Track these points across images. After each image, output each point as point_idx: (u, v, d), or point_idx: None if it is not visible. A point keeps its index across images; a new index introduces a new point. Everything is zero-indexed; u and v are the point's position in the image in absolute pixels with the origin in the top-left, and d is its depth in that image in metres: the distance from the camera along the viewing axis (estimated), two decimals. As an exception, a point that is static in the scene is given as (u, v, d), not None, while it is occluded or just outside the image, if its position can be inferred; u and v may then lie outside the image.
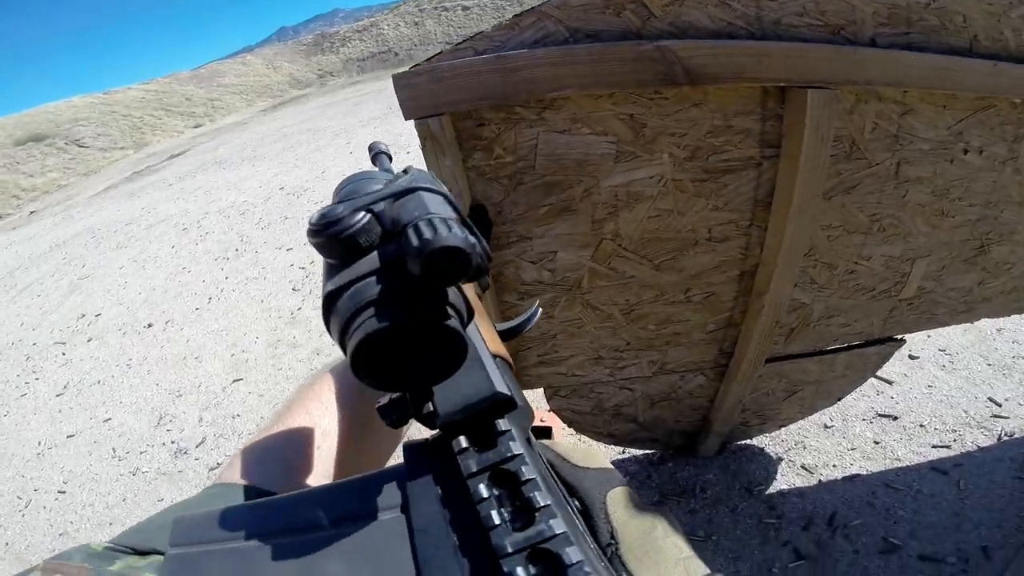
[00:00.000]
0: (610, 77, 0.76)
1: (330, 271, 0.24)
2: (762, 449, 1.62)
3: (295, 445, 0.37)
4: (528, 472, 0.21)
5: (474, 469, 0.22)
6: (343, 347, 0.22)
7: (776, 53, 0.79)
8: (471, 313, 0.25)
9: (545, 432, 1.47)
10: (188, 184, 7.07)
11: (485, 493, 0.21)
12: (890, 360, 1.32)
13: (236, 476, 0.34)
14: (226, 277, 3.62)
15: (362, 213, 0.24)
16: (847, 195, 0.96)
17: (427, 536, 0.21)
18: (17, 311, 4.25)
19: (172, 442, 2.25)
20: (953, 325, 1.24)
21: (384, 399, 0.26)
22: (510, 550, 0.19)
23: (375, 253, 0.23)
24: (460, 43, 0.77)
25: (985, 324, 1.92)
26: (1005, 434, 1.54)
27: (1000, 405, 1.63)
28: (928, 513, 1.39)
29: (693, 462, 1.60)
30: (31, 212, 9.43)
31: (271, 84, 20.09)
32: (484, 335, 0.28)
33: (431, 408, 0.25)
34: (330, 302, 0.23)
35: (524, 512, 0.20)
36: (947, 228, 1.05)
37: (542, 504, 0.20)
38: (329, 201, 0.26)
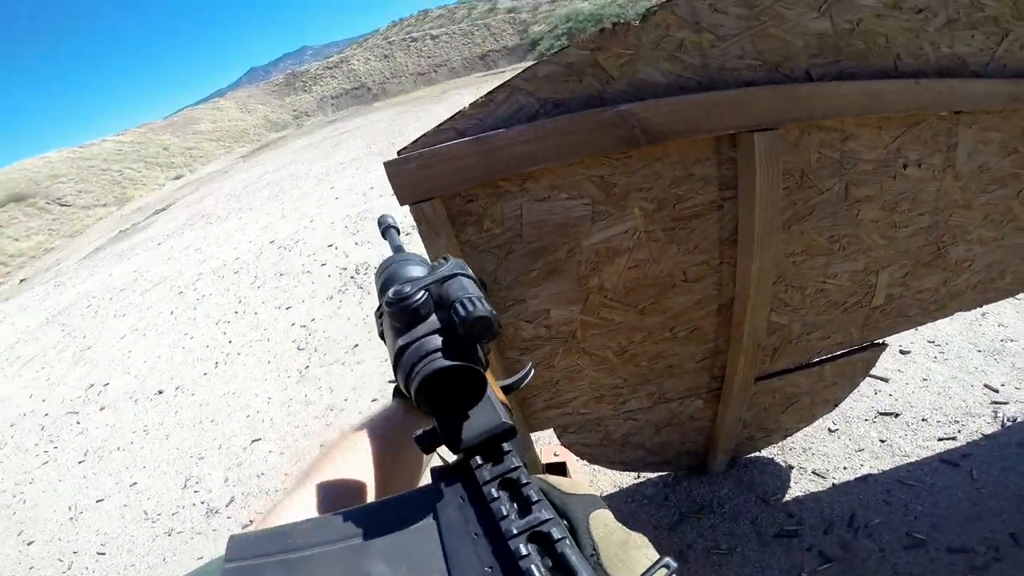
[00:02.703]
0: (579, 147, 0.87)
1: (397, 332, 0.35)
2: (772, 459, 1.71)
3: (327, 501, 0.42)
4: (526, 477, 0.30)
5: (487, 478, 0.31)
6: (407, 384, 0.33)
7: (725, 102, 0.89)
8: (488, 365, 0.38)
9: (560, 467, 1.56)
10: (177, 243, 7.24)
11: (496, 494, 0.29)
12: (883, 357, 1.41)
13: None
14: (229, 341, 3.74)
15: (422, 292, 0.36)
16: (805, 222, 1.07)
17: (452, 534, 0.29)
18: (24, 384, 4.36)
19: (202, 502, 2.34)
20: (929, 323, 1.35)
21: (419, 431, 0.36)
22: (515, 531, 0.27)
23: (432, 318, 0.35)
24: (441, 124, 0.88)
25: (970, 311, 2.03)
26: (1008, 419, 1.62)
27: (997, 391, 1.72)
28: (946, 506, 1.44)
29: (707, 479, 1.68)
30: (21, 280, 9.56)
31: (247, 128, 20.51)
32: (492, 387, 0.39)
33: (453, 437, 0.35)
34: (401, 353, 0.34)
35: (524, 508, 0.28)
36: (903, 238, 1.16)
37: (536, 499, 0.28)
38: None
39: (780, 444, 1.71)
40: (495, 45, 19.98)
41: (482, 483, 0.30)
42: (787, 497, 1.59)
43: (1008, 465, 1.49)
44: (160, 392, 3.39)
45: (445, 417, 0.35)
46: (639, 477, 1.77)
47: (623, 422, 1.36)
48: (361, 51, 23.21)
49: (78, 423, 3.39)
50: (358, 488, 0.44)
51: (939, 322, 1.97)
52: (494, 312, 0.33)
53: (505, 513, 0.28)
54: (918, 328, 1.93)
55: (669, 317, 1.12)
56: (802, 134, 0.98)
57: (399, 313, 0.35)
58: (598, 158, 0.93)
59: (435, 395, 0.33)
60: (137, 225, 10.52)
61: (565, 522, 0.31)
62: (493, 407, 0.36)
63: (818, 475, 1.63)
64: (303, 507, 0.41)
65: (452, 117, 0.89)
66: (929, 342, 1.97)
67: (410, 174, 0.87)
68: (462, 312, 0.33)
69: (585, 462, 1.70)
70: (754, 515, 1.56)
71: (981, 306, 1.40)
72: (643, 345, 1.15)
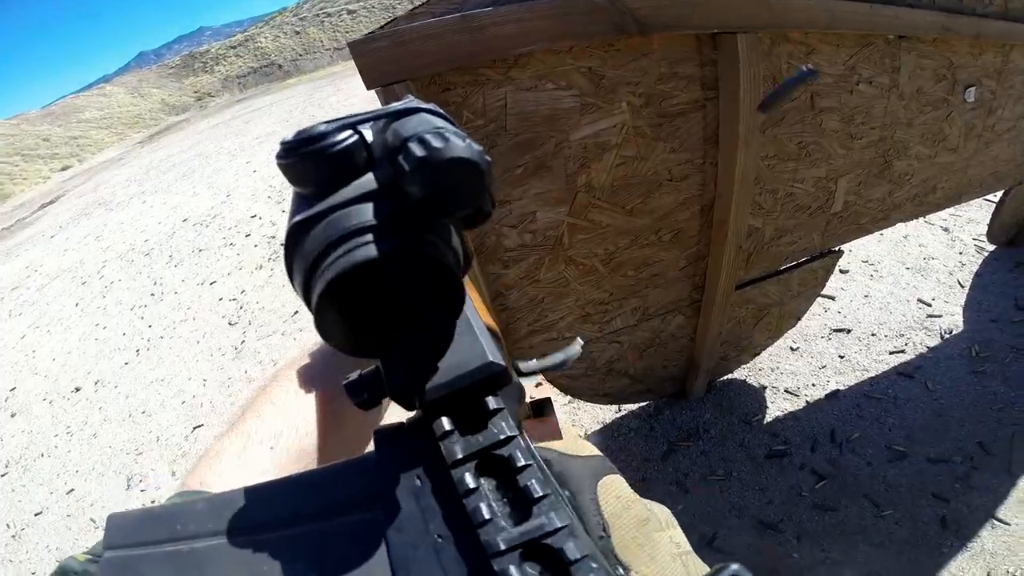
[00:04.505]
0: (572, 30, 0.85)
1: (300, 202, 0.20)
2: (745, 381, 1.81)
3: (249, 449, 0.35)
4: (524, 457, 0.19)
5: (459, 456, 0.19)
6: (307, 293, 0.19)
7: (711, 1, 0.92)
8: (468, 263, 0.23)
9: (544, 404, 1.54)
10: (73, 233, 6.44)
11: (472, 484, 0.18)
12: (831, 276, 1.53)
13: (196, 484, 0.32)
14: (149, 326, 3.39)
15: (349, 131, 0.20)
16: (777, 127, 1.14)
17: (402, 534, 0.19)
18: (-86, 399, 3.73)
19: (152, 501, 2.12)
20: (876, 232, 1.48)
21: (353, 375, 0.23)
22: (503, 547, 0.16)
23: (365, 177, 0.20)
24: (416, 8, 0.82)
25: (894, 233, 2.26)
26: (944, 331, 1.82)
27: (930, 305, 1.93)
28: (914, 417, 1.58)
29: (687, 406, 1.74)
30: None
31: (141, 113, 18.65)
32: (475, 305, 0.26)
33: (409, 382, 0.21)
34: (299, 234, 0.19)
35: (519, 504, 0.18)
36: (858, 149, 1.27)
37: (541, 494, 0.17)
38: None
39: (749, 365, 1.81)
40: (421, 16, 19.70)
41: (451, 464, 0.19)
42: (768, 418, 1.68)
43: (956, 376, 1.67)
44: (77, 389, 3.03)
45: (393, 352, 0.21)
46: (620, 411, 1.81)
47: (608, 346, 1.37)
48: (269, 29, 21.78)
49: (-11, 433, 2.97)
50: (305, 432, 0.36)
51: (870, 242, 2.20)
52: (484, 155, 0.18)
53: (487, 516, 0.17)
54: (855, 248, 2.13)
55: (655, 218, 1.13)
56: (773, 44, 1.04)
57: (301, 165, 0.20)
58: (586, 49, 0.92)
59: (364, 324, 0.20)
60: (23, 220, 9.26)
61: (567, 492, 0.24)
62: (475, 337, 0.22)
63: (790, 393, 1.74)
64: (234, 455, 0.34)
65: (427, 1, 0.82)
66: (864, 262, 2.17)
67: (381, 52, 0.79)
68: (418, 152, 0.17)
69: (567, 400, 1.72)
70: (741, 438, 1.63)
71: (917, 218, 1.57)
72: (630, 251, 1.15)
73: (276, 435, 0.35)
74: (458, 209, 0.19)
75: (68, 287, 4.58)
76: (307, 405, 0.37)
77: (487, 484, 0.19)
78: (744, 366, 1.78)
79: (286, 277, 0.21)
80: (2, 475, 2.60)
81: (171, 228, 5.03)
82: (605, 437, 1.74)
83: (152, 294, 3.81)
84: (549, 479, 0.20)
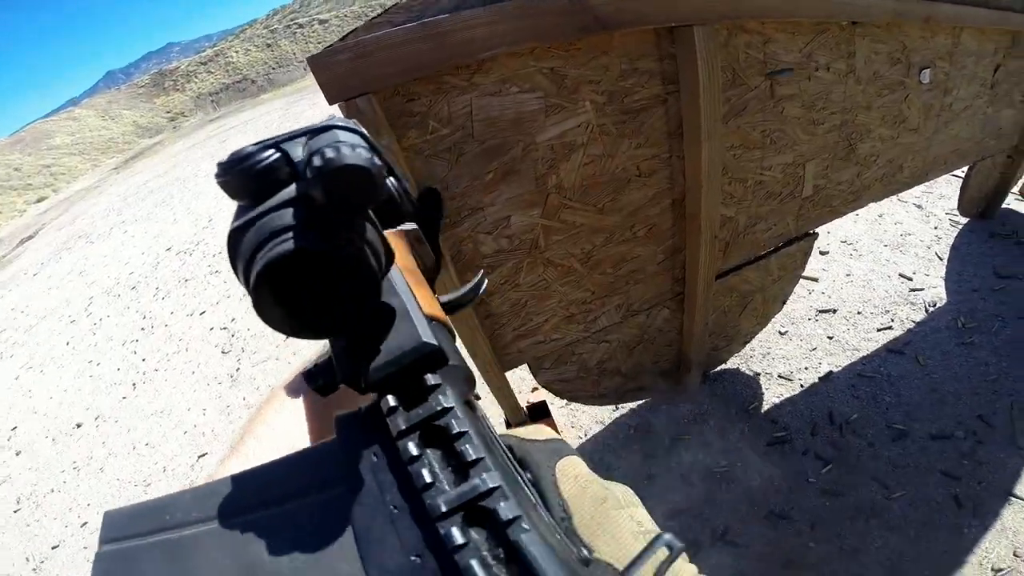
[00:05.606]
0: (534, 31, 0.87)
1: (238, 212, 0.24)
2: (738, 370, 1.83)
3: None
4: (459, 425, 0.21)
5: (402, 427, 0.21)
6: (246, 284, 0.22)
7: None
8: (390, 258, 0.26)
9: (541, 408, 1.55)
10: (56, 269, 6.42)
11: (415, 451, 0.20)
12: (810, 258, 1.57)
13: None
14: (143, 359, 3.39)
15: (271, 150, 0.23)
16: (740, 117, 1.17)
17: (363, 507, 0.21)
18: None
19: None
20: (849, 213, 1.51)
21: (311, 364, 0.26)
22: (444, 509, 0.18)
23: (288, 188, 0.23)
24: (374, 18, 0.82)
25: (868, 213, 2.32)
26: (928, 304, 1.85)
27: (911, 279, 1.97)
28: (910, 394, 1.58)
29: (684, 400, 1.75)
30: None
31: (114, 137, 18.57)
32: (418, 297, 0.29)
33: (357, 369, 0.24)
34: (236, 238, 0.22)
35: (460, 470, 0.20)
36: (821, 134, 1.31)
37: (474, 457, 0.19)
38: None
39: (741, 353, 1.83)
40: (392, 26, 19.77)
41: (395, 435, 0.21)
42: (765, 405, 1.69)
43: (945, 349, 1.69)
44: (79, 425, 3.05)
45: (341, 341, 0.25)
46: (618, 410, 1.82)
47: (596, 346, 1.39)
48: (239, 42, 21.73)
49: (-4, 472, 2.98)
50: (302, 448, 0.39)
51: (847, 223, 2.25)
52: (376, 162, 0.21)
53: (428, 480, 0.19)
54: (832, 228, 2.18)
55: (627, 215, 1.16)
56: (730, 35, 1.07)
57: (235, 182, 0.23)
58: (548, 49, 0.94)
59: (296, 308, 0.23)
60: (2, 259, 9.19)
61: (528, 475, 0.25)
62: (411, 323, 0.25)
63: (784, 378, 1.76)
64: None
65: (386, 10, 0.83)
66: (843, 242, 2.22)
67: (341, 66, 0.80)
68: (317, 162, 0.21)
69: (564, 402, 1.73)
70: (740, 427, 1.64)
71: (888, 197, 1.61)
72: (606, 248, 1.18)
73: (275, 454, 0.37)
74: (359, 205, 0.22)
75: (57, 326, 4.57)
76: (301, 423, 0.39)
77: (433, 454, 0.21)
78: (735, 354, 1.81)
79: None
80: (15, 511, 2.63)
81: (155, 258, 5.03)
82: (606, 436, 1.75)
83: (142, 328, 3.81)
84: (493, 446, 0.22)
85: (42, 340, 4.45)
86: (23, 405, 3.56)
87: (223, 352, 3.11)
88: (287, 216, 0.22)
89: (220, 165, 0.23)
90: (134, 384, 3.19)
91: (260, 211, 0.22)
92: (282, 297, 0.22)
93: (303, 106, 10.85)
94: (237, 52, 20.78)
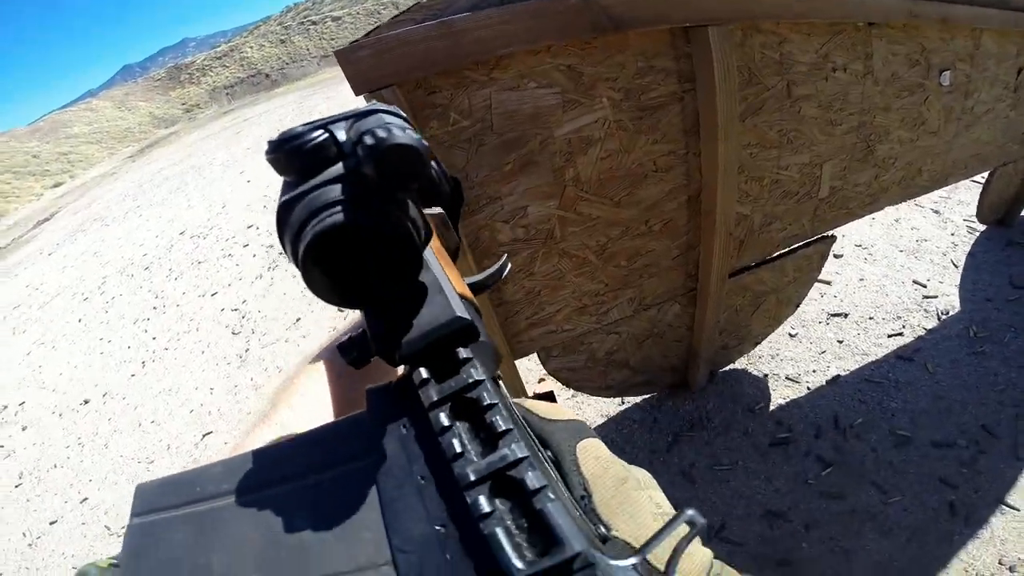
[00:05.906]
0: (548, 31, 0.89)
1: (286, 188, 0.25)
2: (746, 370, 1.84)
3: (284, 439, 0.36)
4: (490, 397, 0.21)
5: (435, 398, 0.22)
6: (295, 254, 0.23)
7: None
8: (429, 234, 0.28)
9: (548, 397, 1.57)
10: (71, 250, 6.55)
11: (446, 422, 0.21)
12: (826, 261, 1.57)
13: None
14: (153, 338, 3.46)
15: (320, 131, 0.25)
16: (756, 116, 1.17)
17: (390, 478, 0.21)
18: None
19: None
20: (866, 216, 1.51)
21: (344, 337, 0.27)
22: (472, 478, 0.19)
23: (336, 167, 0.25)
24: (397, 15, 0.87)
25: (885, 217, 2.30)
26: (941, 312, 1.84)
27: (925, 286, 1.96)
28: (916, 401, 1.59)
29: (690, 396, 1.77)
30: None
31: (131, 127, 18.87)
32: (450, 277, 0.30)
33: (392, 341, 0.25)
34: (286, 211, 0.24)
35: (488, 441, 0.20)
36: (839, 135, 1.31)
37: (504, 428, 0.20)
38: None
39: (749, 353, 1.84)
40: (406, 23, 19.87)
41: (427, 406, 0.22)
42: (771, 406, 1.70)
43: (955, 358, 1.68)
44: (86, 402, 3.11)
45: (377, 314, 0.26)
46: (623, 403, 1.84)
47: (606, 336, 1.41)
48: (253, 38, 21.94)
49: (2, 446, 3.07)
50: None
51: (863, 227, 2.24)
52: (424, 143, 0.23)
53: (459, 450, 0.20)
54: (848, 232, 2.17)
55: (643, 209, 1.17)
56: (745, 35, 1.08)
57: (285, 159, 0.25)
58: (564, 47, 0.96)
59: (343, 278, 0.24)
60: (19, 239, 9.39)
61: (549, 453, 0.26)
62: (445, 298, 0.26)
63: (792, 380, 1.76)
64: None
65: (408, 9, 0.87)
66: (857, 246, 2.20)
67: (365, 60, 0.84)
68: (370, 141, 0.22)
69: (570, 392, 1.75)
70: (744, 426, 1.65)
71: (906, 200, 1.60)
72: (621, 242, 1.20)
73: (309, 425, 0.37)
74: (407, 183, 0.23)
75: (70, 303, 4.67)
76: (335, 394, 0.40)
77: (462, 426, 0.21)
78: (746, 354, 1.82)
79: (288, 283, 0.25)
80: (16, 486, 2.69)
81: (169, 241, 5.12)
82: (610, 430, 1.77)
83: (154, 307, 3.88)
84: (519, 424, 0.23)
85: (55, 317, 4.55)
86: (33, 380, 3.66)
87: (233, 333, 3.17)
88: (336, 191, 0.23)
89: (271, 143, 0.25)
90: (143, 362, 3.26)
91: (310, 186, 0.24)
92: (329, 267, 0.23)
93: (316, 100, 10.90)
94: (251, 47, 20.97)
